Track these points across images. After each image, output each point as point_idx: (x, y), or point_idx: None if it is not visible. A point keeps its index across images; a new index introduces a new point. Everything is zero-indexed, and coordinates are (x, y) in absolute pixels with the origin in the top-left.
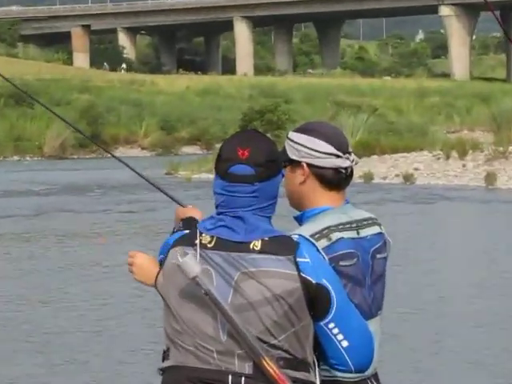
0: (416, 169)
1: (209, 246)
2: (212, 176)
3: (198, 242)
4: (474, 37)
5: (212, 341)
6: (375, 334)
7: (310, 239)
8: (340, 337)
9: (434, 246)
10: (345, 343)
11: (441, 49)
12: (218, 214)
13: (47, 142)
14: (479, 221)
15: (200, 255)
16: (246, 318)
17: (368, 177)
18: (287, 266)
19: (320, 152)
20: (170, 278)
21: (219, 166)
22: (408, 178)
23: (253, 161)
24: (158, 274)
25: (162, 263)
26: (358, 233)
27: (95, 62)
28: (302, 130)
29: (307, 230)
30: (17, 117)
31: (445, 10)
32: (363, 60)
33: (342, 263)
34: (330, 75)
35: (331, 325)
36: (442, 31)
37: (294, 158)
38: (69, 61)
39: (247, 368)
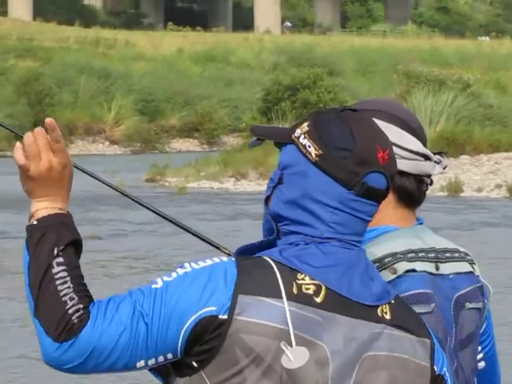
0: None
1: (317, 300)
2: (222, 185)
3: (297, 291)
4: None
5: None
6: None
7: None
8: None
9: None
10: None
11: None
12: (320, 238)
13: None
14: None
15: (294, 315)
16: None
17: (455, 188)
18: (422, 354)
19: (408, 151)
20: (266, 357)
21: (344, 164)
22: None
23: (389, 170)
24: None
25: (212, 317)
26: (437, 267)
27: (41, 12)
28: (374, 112)
29: None
30: None
31: None
32: (448, 11)
33: None
34: (399, 34)
35: None
36: None
37: None
38: (2, 10)
39: None
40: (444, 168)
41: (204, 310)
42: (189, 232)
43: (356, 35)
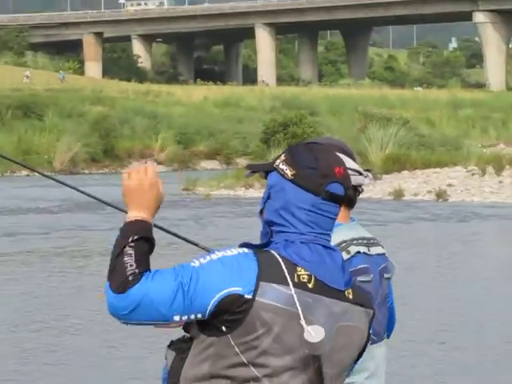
0: (449, 185)
1: (309, 286)
2: (236, 193)
3: (298, 280)
4: (510, 45)
5: None
6: (384, 358)
7: None
8: None
9: (468, 268)
10: None
11: (475, 58)
12: (298, 232)
13: (57, 156)
14: None
15: (299, 298)
16: (333, 360)
17: (398, 194)
18: (366, 321)
19: (349, 169)
20: (280, 329)
21: (312, 178)
22: (441, 194)
23: (345, 181)
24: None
25: (235, 295)
26: (368, 250)
27: (108, 72)
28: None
29: None
30: (25, 129)
31: (480, 17)
32: (393, 70)
33: (359, 278)
34: (358, 86)
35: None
36: (476, 39)
37: None
38: (80, 70)
39: None
40: (370, 180)
41: (231, 289)
42: (170, 233)
43: (328, 87)
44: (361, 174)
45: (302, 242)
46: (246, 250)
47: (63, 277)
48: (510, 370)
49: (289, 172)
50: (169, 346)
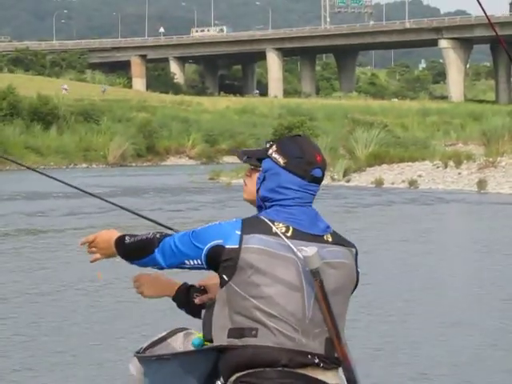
0: (419, 176)
1: (287, 234)
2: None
3: (277, 230)
4: (468, 65)
5: (299, 322)
6: None
7: None
8: None
9: (434, 240)
10: None
11: (440, 76)
12: (281, 206)
13: (110, 152)
14: (472, 219)
15: (282, 243)
16: (330, 289)
17: (379, 182)
18: (351, 258)
19: None
20: (265, 265)
21: (300, 166)
22: (412, 183)
23: (323, 166)
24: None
25: (219, 246)
26: None
27: (150, 86)
28: None
29: None
30: (85, 131)
31: (443, 43)
32: (375, 85)
33: None
34: (347, 97)
35: None
36: (441, 61)
37: None
38: (128, 85)
39: (319, 348)
40: None
41: (213, 242)
42: (142, 217)
43: (324, 98)
44: None
45: (281, 207)
46: (236, 219)
47: None
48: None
49: (281, 160)
50: (202, 307)
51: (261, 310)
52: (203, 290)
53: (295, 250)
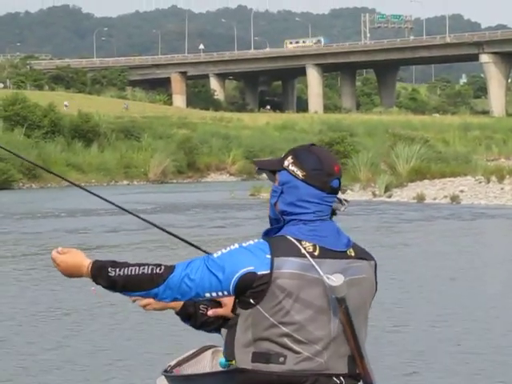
0: (461, 191)
1: (315, 254)
2: None
3: (305, 252)
4: (509, 80)
5: (325, 345)
6: None
7: None
8: None
9: (478, 256)
10: None
11: (481, 90)
12: (302, 221)
13: (151, 169)
14: None
15: (311, 264)
16: (353, 307)
17: (420, 198)
18: (371, 271)
19: None
20: (296, 289)
21: (320, 178)
22: (454, 198)
23: (341, 175)
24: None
25: (250, 273)
26: None
27: (191, 103)
28: None
29: None
30: (126, 148)
31: (484, 58)
32: (415, 100)
33: None
34: (388, 113)
35: None
36: (482, 75)
37: None
38: (169, 101)
39: (343, 368)
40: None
41: (245, 269)
42: (176, 237)
43: (364, 114)
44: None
45: (304, 224)
46: (259, 240)
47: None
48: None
49: (300, 173)
50: (223, 326)
51: (290, 337)
52: (217, 303)
53: (324, 277)
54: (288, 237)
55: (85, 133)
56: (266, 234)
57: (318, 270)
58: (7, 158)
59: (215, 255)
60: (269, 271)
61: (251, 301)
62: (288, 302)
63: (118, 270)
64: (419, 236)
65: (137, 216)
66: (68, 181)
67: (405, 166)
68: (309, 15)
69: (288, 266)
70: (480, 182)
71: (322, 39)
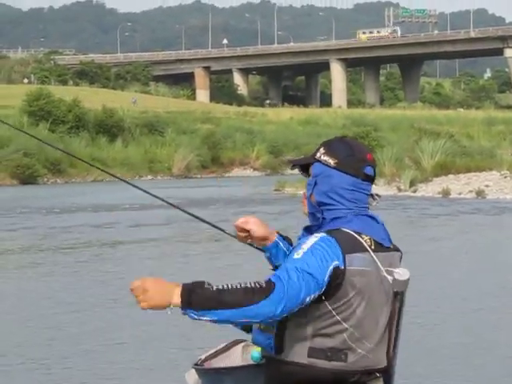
0: (486, 185)
1: (372, 248)
2: None
3: (367, 246)
4: None
5: (376, 342)
6: None
7: None
8: None
9: (504, 250)
10: None
11: (505, 85)
12: (350, 212)
13: (175, 164)
14: None
15: (373, 260)
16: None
17: (445, 192)
18: (398, 261)
19: None
20: (364, 286)
21: (352, 164)
22: (480, 193)
23: (375, 164)
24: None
25: (337, 268)
26: None
27: (214, 97)
28: None
29: None
30: (150, 143)
31: (509, 52)
32: (440, 94)
33: None
34: (412, 107)
35: None
36: (506, 70)
37: None
38: (192, 96)
39: (383, 361)
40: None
41: (334, 263)
42: (200, 219)
43: (388, 109)
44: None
45: (354, 215)
46: (320, 234)
47: (187, 258)
48: None
49: (331, 161)
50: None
51: (351, 334)
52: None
53: (384, 272)
54: (348, 231)
55: (109, 128)
56: (307, 230)
57: (379, 265)
58: (32, 153)
59: (299, 259)
60: (343, 267)
61: (322, 297)
62: (356, 299)
63: (214, 286)
64: (447, 231)
65: (183, 210)
66: (108, 173)
67: (430, 161)
68: (332, 10)
69: (357, 263)
70: (505, 177)
71: (399, 29)
